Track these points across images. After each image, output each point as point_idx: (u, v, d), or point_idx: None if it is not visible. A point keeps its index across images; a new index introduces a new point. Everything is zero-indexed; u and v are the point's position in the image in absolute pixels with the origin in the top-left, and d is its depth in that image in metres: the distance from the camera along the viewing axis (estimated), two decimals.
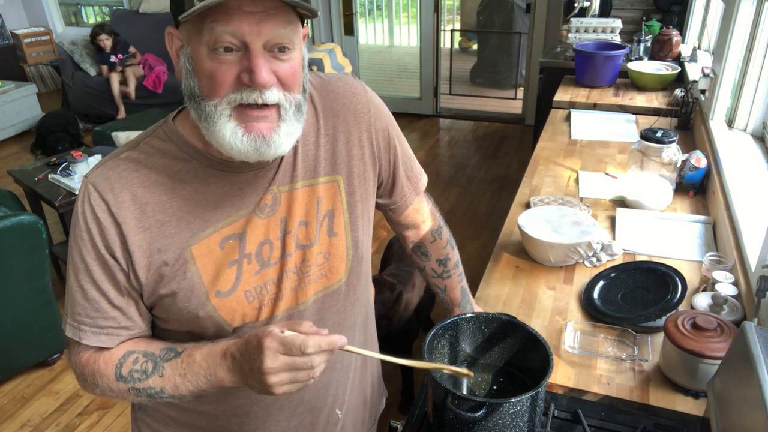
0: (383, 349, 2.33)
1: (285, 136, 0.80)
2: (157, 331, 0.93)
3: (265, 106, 0.77)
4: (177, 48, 0.81)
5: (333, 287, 0.95)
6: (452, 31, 7.34)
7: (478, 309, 1.31)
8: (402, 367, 2.30)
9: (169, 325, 0.90)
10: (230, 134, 0.77)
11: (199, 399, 0.91)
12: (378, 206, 1.08)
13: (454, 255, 1.23)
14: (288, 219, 0.89)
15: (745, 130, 2.14)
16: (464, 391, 1.13)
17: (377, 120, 0.98)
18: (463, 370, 0.95)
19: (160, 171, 0.84)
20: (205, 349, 0.83)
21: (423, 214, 1.15)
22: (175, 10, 0.78)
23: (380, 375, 1.28)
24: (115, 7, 6.17)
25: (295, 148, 0.89)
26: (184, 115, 0.86)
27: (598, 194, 1.99)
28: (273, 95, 0.76)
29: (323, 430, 1.06)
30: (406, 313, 2.14)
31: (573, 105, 2.90)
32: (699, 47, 3.22)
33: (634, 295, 1.43)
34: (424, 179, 1.12)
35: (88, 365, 0.87)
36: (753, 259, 1.40)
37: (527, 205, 1.91)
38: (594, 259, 1.59)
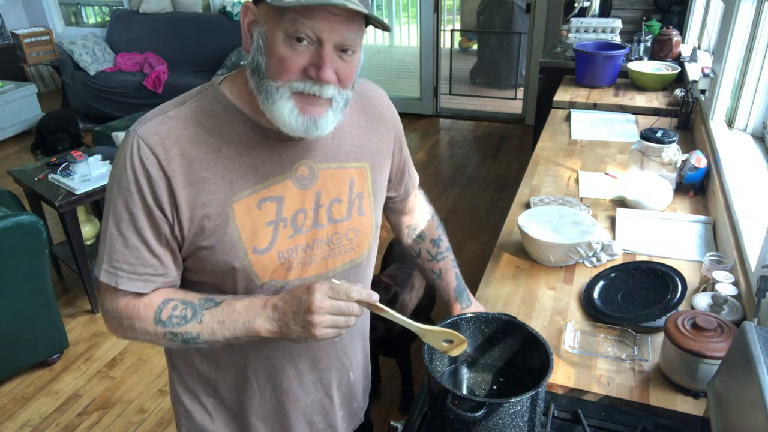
0: (380, 351, 2.33)
1: (330, 122, 0.89)
2: (185, 283, 0.98)
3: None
4: (249, 21, 0.86)
5: (357, 260, 1.06)
6: (452, 31, 7.34)
7: (473, 298, 1.34)
8: (402, 367, 2.31)
9: (200, 276, 0.96)
10: (287, 113, 0.85)
11: (231, 353, 1.02)
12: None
13: (445, 239, 1.33)
14: (322, 193, 0.98)
15: (745, 130, 2.14)
16: (464, 391, 1.13)
17: (396, 124, 1.13)
18: (460, 336, 1.00)
19: (207, 131, 0.90)
20: (246, 300, 0.91)
21: (419, 200, 1.30)
22: None
23: (367, 356, 1.31)
24: (115, 7, 6.17)
25: (333, 133, 0.96)
26: (231, 81, 0.93)
27: (598, 194, 1.99)
28: (329, 91, 0.85)
29: (338, 389, 1.16)
30: (402, 315, 2.13)
31: (573, 105, 2.91)
32: (699, 47, 3.22)
33: (634, 295, 1.43)
34: (417, 176, 1.29)
35: (126, 309, 0.92)
36: (753, 259, 1.40)
37: (527, 205, 1.91)
38: (594, 259, 1.59)
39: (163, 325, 0.91)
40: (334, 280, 0.87)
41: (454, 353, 1.01)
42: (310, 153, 0.96)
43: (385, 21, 0.86)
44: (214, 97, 0.92)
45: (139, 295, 0.92)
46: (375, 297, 0.89)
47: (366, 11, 0.81)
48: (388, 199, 1.20)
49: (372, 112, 1.07)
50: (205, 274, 0.95)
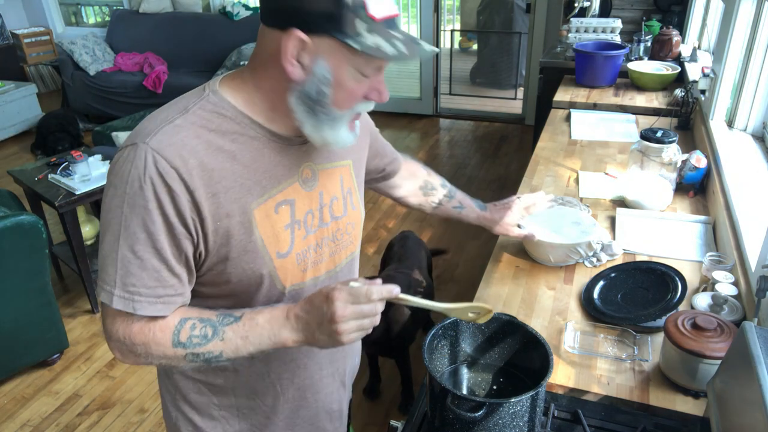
0: (378, 352, 2.32)
1: (357, 126, 0.95)
2: (195, 302, 0.95)
3: None
4: (297, 51, 0.82)
5: (355, 252, 1.11)
6: (452, 31, 7.34)
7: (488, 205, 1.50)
8: (401, 367, 2.31)
9: (218, 290, 0.94)
10: (345, 133, 0.91)
11: (253, 360, 1.00)
12: (378, 183, 1.32)
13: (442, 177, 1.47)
14: (324, 193, 1.01)
15: (745, 130, 2.14)
16: (464, 391, 1.14)
17: (369, 121, 1.18)
18: (486, 306, 0.98)
19: (219, 138, 0.87)
20: (266, 312, 0.90)
21: (412, 164, 1.39)
22: (320, 22, 0.80)
23: None
24: (115, 7, 6.17)
25: None
26: (234, 89, 0.90)
27: (598, 194, 1.99)
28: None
29: (350, 373, 1.21)
30: (401, 316, 2.13)
31: (573, 105, 2.90)
32: (699, 47, 3.22)
33: (634, 295, 1.43)
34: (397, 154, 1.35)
35: (140, 334, 0.87)
36: (753, 259, 1.40)
37: None
38: (594, 259, 1.59)
39: (183, 347, 0.87)
40: (353, 284, 0.86)
41: (483, 320, 1.00)
42: (311, 155, 0.98)
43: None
44: (218, 103, 0.89)
45: (154, 318, 0.87)
46: (396, 290, 0.87)
47: (436, 50, 0.87)
48: (386, 180, 1.31)
49: None
50: (227, 285, 0.93)
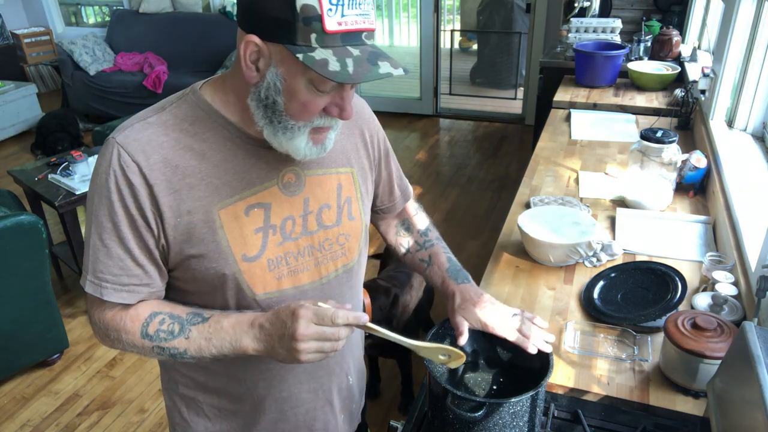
0: (379, 352, 2.31)
1: (331, 140, 0.92)
2: (174, 295, 0.97)
3: None
4: (255, 58, 0.82)
5: (350, 265, 1.05)
6: (452, 31, 7.34)
7: (473, 283, 1.20)
8: (402, 367, 2.31)
9: (190, 286, 0.95)
10: (304, 146, 0.88)
11: (229, 364, 0.99)
12: (374, 208, 1.21)
13: (435, 231, 1.30)
14: (310, 200, 0.98)
15: (745, 130, 2.14)
16: (464, 391, 1.13)
17: (379, 132, 1.13)
18: (458, 351, 0.98)
19: (190, 137, 0.89)
20: (233, 317, 0.90)
21: (411, 206, 1.30)
22: (273, 29, 0.78)
23: (362, 355, 1.31)
24: (115, 7, 6.17)
25: None
26: (213, 89, 0.92)
27: (598, 194, 1.99)
28: (340, 122, 0.89)
29: (338, 393, 1.15)
30: (404, 316, 2.14)
31: (573, 105, 2.91)
32: (699, 47, 3.22)
33: (634, 295, 1.43)
34: (410, 189, 1.28)
35: (113, 322, 0.91)
36: (753, 259, 1.40)
37: (527, 205, 1.91)
38: (594, 259, 1.59)
39: (150, 339, 0.90)
40: (320, 304, 0.85)
41: (453, 365, 1.00)
42: (296, 160, 0.94)
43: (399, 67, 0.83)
44: (195, 102, 0.90)
45: (126, 307, 0.91)
46: (364, 318, 0.86)
47: (404, 71, 0.80)
48: (377, 207, 1.20)
49: (354, 118, 1.06)
50: (195, 283, 0.94)
